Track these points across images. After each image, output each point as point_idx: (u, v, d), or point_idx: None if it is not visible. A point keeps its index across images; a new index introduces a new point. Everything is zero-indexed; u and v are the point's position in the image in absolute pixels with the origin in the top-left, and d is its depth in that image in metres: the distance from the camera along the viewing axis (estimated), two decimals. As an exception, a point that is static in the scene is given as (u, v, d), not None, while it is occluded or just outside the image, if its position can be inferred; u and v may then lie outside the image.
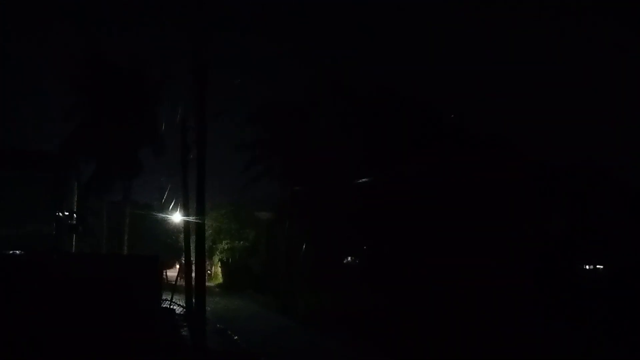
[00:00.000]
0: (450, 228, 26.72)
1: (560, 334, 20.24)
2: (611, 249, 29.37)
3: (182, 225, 26.99)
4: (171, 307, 23.33)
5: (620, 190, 30.78)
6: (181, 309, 25.02)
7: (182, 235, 27.53)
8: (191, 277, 23.49)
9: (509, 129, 30.19)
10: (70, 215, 32.04)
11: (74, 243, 33.31)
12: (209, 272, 43.35)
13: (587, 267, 31.83)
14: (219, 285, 44.57)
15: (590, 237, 29.50)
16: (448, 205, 27.16)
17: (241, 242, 42.03)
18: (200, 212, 19.80)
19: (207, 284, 23.55)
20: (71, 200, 33.27)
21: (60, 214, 29.68)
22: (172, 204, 30.86)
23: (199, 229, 20.22)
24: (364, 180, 28.94)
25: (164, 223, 37.87)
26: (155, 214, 37.74)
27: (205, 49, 18.88)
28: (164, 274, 27.90)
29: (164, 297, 21.79)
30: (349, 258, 34.30)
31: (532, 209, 28.91)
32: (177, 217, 30.02)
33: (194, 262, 23.04)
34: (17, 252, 20.18)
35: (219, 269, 47.02)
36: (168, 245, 39.45)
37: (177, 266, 33.80)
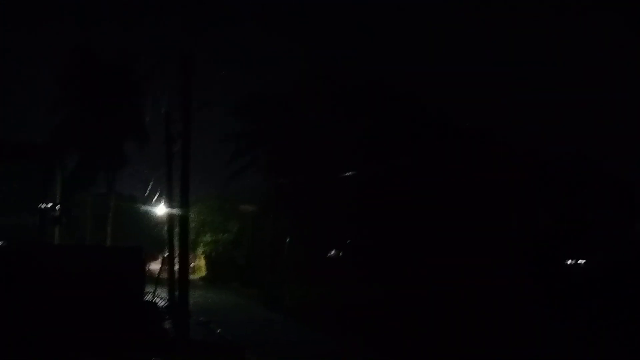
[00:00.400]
0: (438, 221, 26.83)
1: (547, 327, 20.39)
2: (594, 243, 29.62)
3: (166, 218, 26.89)
4: (154, 299, 23.25)
5: (608, 182, 31.03)
6: (164, 301, 24.95)
7: (165, 228, 27.41)
8: (174, 269, 23.43)
9: (503, 125, 30.33)
10: (54, 207, 31.91)
11: (57, 235, 33.16)
12: (192, 264, 43.20)
13: (570, 261, 32.05)
14: (202, 278, 44.48)
15: (574, 230, 29.72)
16: (435, 198, 27.26)
17: (225, 235, 41.91)
18: (184, 204, 19.81)
19: (190, 277, 23.54)
20: (55, 192, 33.11)
21: (45, 206, 29.57)
22: (157, 196, 30.75)
23: (183, 221, 20.22)
24: (350, 173, 28.95)
25: (148, 215, 37.67)
26: (139, 206, 37.61)
27: (192, 40, 18.89)
28: (148, 266, 27.81)
29: (147, 290, 21.72)
30: (334, 251, 34.31)
31: (519, 202, 29.05)
32: (161, 210, 29.91)
33: (177, 254, 23.01)
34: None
35: (203, 262, 46.91)
36: (152, 237, 39.24)
37: (161, 259, 33.64)
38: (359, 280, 27.95)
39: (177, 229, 22.78)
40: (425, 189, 27.51)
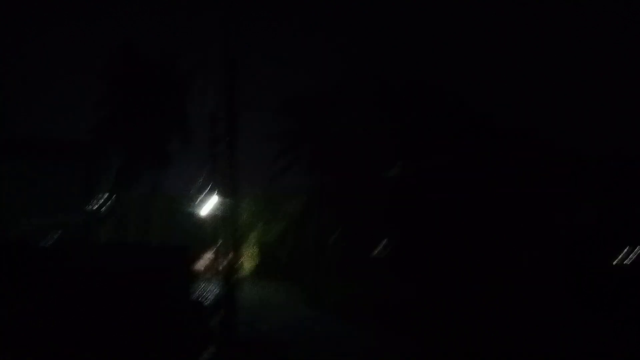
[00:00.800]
0: (481, 219, 26.55)
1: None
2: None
3: (211, 217, 27.03)
4: (200, 298, 23.38)
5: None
6: (210, 300, 25.09)
7: (210, 227, 27.58)
8: (220, 268, 23.55)
9: (543, 121, 29.92)
10: (101, 206, 32.30)
11: (103, 234, 33.56)
12: (238, 262, 43.39)
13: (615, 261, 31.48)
14: (247, 276, 44.66)
15: (619, 230, 29.23)
16: (478, 196, 26.98)
17: (270, 233, 42.05)
18: (230, 203, 19.87)
19: (236, 273, 23.60)
20: (100, 191, 33.50)
21: (91, 205, 29.94)
22: (202, 195, 30.88)
23: (229, 220, 20.30)
24: (393, 171, 28.80)
25: (193, 215, 37.91)
26: (184, 205, 37.85)
27: (236, 40, 18.88)
28: (193, 265, 27.98)
29: (193, 288, 21.85)
30: (378, 249, 34.12)
31: (563, 200, 28.63)
32: (206, 209, 30.08)
33: (223, 253, 23.12)
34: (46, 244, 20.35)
35: (248, 260, 47.13)
36: (197, 236, 39.47)
37: (206, 257, 33.87)
38: (403, 277, 27.82)
39: (223, 226, 22.91)
40: (468, 188, 27.26)
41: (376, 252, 33.89)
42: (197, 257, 33.20)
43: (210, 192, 25.49)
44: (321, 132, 31.18)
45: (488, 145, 28.13)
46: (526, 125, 29.68)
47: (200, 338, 18.28)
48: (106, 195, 33.74)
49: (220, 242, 23.83)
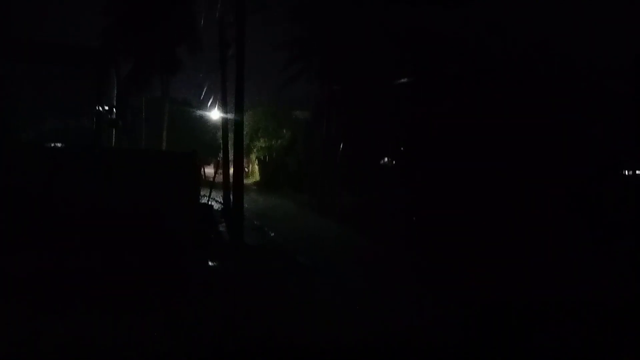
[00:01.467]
0: (492, 132, 26.34)
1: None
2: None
3: (220, 123, 27.08)
4: (209, 202, 23.66)
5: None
6: (219, 205, 25.39)
7: (220, 133, 27.65)
8: (229, 174, 23.73)
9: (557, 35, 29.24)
10: (110, 111, 32.27)
11: (113, 139, 33.66)
12: (246, 169, 43.72)
13: (627, 172, 31.41)
14: (255, 183, 45.07)
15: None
16: (489, 108, 26.73)
17: (279, 141, 42.19)
18: (238, 109, 19.86)
19: (244, 181, 23.80)
20: (111, 96, 33.42)
21: (100, 109, 29.86)
22: (211, 101, 30.92)
23: (237, 126, 20.33)
24: (403, 80, 28.51)
25: (203, 120, 38.05)
26: (193, 110, 37.91)
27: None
28: (202, 170, 28.21)
29: (202, 193, 22.10)
30: (387, 159, 34.17)
31: (577, 113, 28.33)
32: (215, 115, 30.16)
33: (231, 159, 23.26)
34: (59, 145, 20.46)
35: (256, 167, 47.45)
36: (206, 142, 39.73)
37: (215, 163, 34.09)
38: (410, 189, 27.87)
39: (231, 134, 22.97)
40: (477, 98, 26.97)
41: (386, 161, 33.96)
42: (206, 162, 33.45)
43: (219, 99, 25.45)
44: (332, 41, 30.72)
45: (500, 57, 27.66)
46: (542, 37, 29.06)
47: (210, 241, 18.61)
48: (116, 100, 33.65)
49: (229, 147, 23.96)
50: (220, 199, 25.40)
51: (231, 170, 22.92)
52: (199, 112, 35.90)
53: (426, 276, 15.90)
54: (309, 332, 10.45)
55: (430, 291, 13.92)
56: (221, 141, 25.84)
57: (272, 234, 22.45)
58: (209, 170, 34.09)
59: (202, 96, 34.19)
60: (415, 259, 18.42)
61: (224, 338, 10.00)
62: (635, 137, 26.95)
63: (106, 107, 30.55)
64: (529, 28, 27.99)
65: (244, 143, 22.99)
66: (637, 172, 30.08)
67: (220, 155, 25.72)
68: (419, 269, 17.13)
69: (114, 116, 31.90)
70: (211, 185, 25.27)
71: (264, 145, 42.74)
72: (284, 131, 42.50)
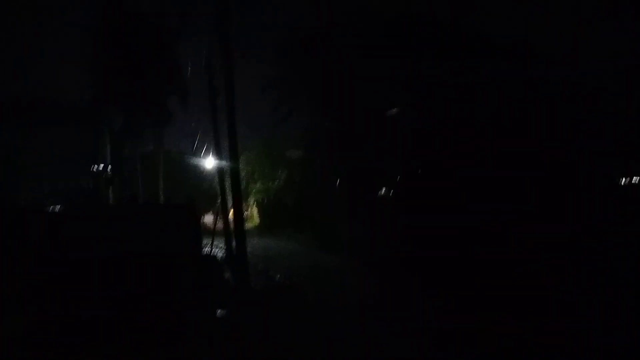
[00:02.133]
0: (490, 153, 26.28)
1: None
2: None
3: (216, 170, 27.09)
4: (211, 251, 23.58)
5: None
6: (222, 252, 25.30)
7: (216, 180, 27.65)
8: (229, 220, 23.68)
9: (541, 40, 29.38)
10: (106, 168, 32.41)
11: (111, 195, 33.70)
12: (245, 214, 43.66)
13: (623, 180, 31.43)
14: (256, 227, 44.92)
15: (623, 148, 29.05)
16: (484, 129, 26.72)
17: (275, 182, 42.16)
18: (233, 155, 19.90)
19: (245, 225, 23.74)
20: (105, 153, 33.56)
21: (97, 167, 30.04)
22: (204, 149, 30.95)
23: (233, 172, 20.34)
24: (394, 110, 28.63)
25: (198, 168, 38.00)
26: (188, 159, 37.93)
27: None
28: (202, 219, 28.18)
29: (204, 243, 22.05)
30: (384, 190, 34.11)
31: (564, 120, 28.35)
32: (210, 162, 30.13)
33: (230, 205, 23.21)
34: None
35: (255, 211, 47.35)
36: (203, 191, 39.63)
37: (214, 211, 34.09)
38: (409, 218, 27.79)
39: (227, 180, 22.97)
40: (475, 121, 27.02)
41: (384, 192, 33.90)
42: (205, 211, 33.40)
43: (213, 146, 25.49)
44: (318, 76, 30.90)
45: (493, 72, 27.72)
46: (527, 44, 29.18)
47: (216, 290, 18.49)
48: (110, 156, 33.77)
49: (227, 193, 23.94)
50: (223, 246, 25.31)
51: (231, 216, 22.87)
52: (194, 161, 35.92)
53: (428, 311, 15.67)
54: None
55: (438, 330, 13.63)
56: (218, 188, 25.81)
57: (278, 276, 22.35)
58: (209, 219, 33.99)
59: (195, 144, 34.24)
60: (416, 290, 18.30)
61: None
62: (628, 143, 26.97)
63: (102, 165, 30.70)
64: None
65: (241, 187, 22.96)
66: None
67: (219, 202, 25.68)
68: (420, 299, 17.04)
69: (109, 174, 32.01)
70: (212, 233, 25.19)
71: (261, 188, 42.72)
72: (280, 171, 42.50)
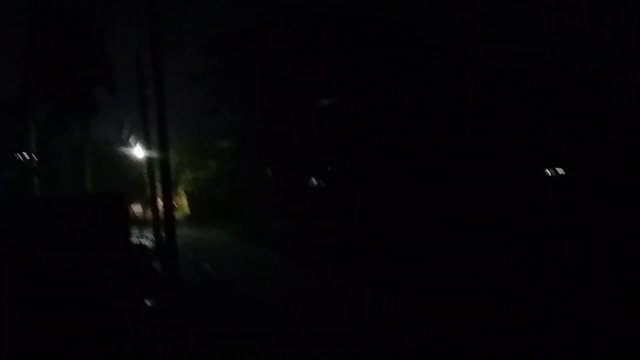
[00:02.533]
0: (416, 143, 26.80)
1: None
2: (571, 152, 29.97)
3: (145, 160, 26.94)
4: (141, 241, 23.50)
5: (582, 90, 31.22)
6: (151, 242, 25.21)
7: (146, 170, 27.48)
8: (158, 210, 23.62)
9: (466, 38, 30.14)
10: (31, 159, 31.77)
11: (37, 186, 33.07)
12: (175, 203, 43.42)
13: (548, 171, 32.57)
14: (186, 217, 44.74)
15: (548, 140, 30.00)
16: (410, 120, 27.24)
17: (205, 173, 42.09)
18: (162, 145, 19.86)
19: (174, 216, 23.70)
20: (31, 144, 32.91)
21: (22, 158, 29.45)
22: (134, 140, 30.67)
23: (163, 162, 20.31)
24: (323, 102, 28.92)
25: (127, 159, 37.61)
26: (117, 150, 37.49)
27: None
28: (131, 209, 27.98)
29: (133, 233, 21.99)
30: (315, 180, 34.44)
31: (493, 116, 29.12)
32: (139, 153, 29.91)
33: (160, 195, 23.15)
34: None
35: (185, 201, 47.13)
36: (132, 181, 39.23)
37: (143, 201, 33.84)
38: (341, 210, 28.04)
39: (157, 170, 22.90)
40: (401, 112, 27.48)
41: (315, 183, 34.26)
42: (134, 201, 33.12)
43: (142, 136, 25.34)
44: (247, 69, 31.00)
45: (416, 64, 28.19)
46: (455, 43, 29.84)
47: (145, 280, 18.46)
48: (37, 147, 33.11)
49: (156, 184, 23.86)
50: (152, 237, 25.23)
51: (160, 206, 22.82)
52: (123, 151, 35.54)
53: (361, 303, 15.77)
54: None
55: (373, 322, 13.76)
56: (147, 178, 25.68)
57: (207, 267, 22.42)
58: (138, 209, 33.75)
59: (125, 135, 33.87)
60: (346, 284, 18.36)
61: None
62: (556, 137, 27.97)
63: (27, 156, 30.11)
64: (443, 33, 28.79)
65: (171, 178, 22.91)
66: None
67: (148, 192, 25.55)
68: (351, 294, 17.12)
69: (35, 165, 31.40)
70: (141, 223, 25.08)
71: (190, 178, 42.57)
72: (210, 162, 42.42)
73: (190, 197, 45.33)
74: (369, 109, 28.08)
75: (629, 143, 31.24)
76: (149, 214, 24.71)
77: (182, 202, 48.26)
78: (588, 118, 31.40)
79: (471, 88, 28.12)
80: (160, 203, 23.17)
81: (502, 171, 27.57)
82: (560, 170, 32.71)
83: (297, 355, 11.25)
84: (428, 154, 27.01)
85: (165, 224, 20.74)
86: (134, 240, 22.78)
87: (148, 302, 16.06)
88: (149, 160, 25.44)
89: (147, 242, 24.80)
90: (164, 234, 20.95)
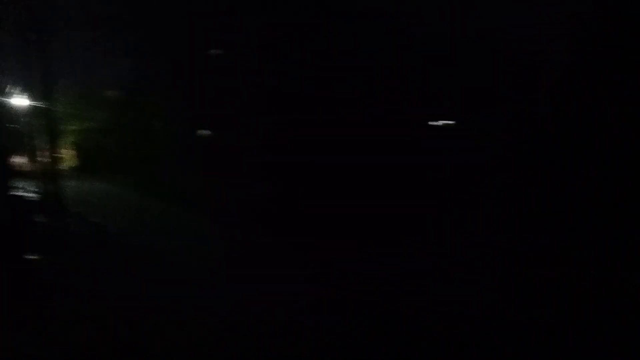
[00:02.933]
0: (321, 93, 26.51)
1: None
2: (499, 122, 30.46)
3: (30, 111, 25.80)
4: (24, 195, 22.55)
5: (509, 61, 31.74)
6: (35, 195, 24.26)
7: (30, 121, 26.34)
8: (43, 162, 22.72)
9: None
10: None
11: None
12: (62, 155, 42.00)
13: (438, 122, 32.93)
14: (73, 169, 43.37)
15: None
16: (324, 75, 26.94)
17: (93, 123, 40.77)
18: (47, 94, 19.06)
19: (61, 167, 22.89)
20: None
21: None
22: (18, 88, 29.23)
23: (48, 111, 19.51)
24: (219, 49, 28.34)
25: (10, 108, 35.95)
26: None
27: None
28: (13, 161, 26.80)
29: (15, 185, 21.05)
30: (212, 131, 33.79)
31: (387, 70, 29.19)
32: (23, 102, 28.60)
33: (46, 147, 22.26)
34: None
35: (72, 152, 45.65)
36: (15, 131, 37.64)
37: (27, 153, 32.53)
38: (236, 158, 27.74)
39: (43, 120, 21.98)
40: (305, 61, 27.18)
41: (212, 133, 33.64)
42: (16, 152, 31.76)
43: (26, 85, 24.20)
44: (141, 14, 29.96)
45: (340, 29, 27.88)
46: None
47: (29, 234, 17.78)
48: None
49: (40, 136, 22.92)
50: (36, 189, 24.27)
51: (46, 158, 21.94)
52: (5, 101, 33.86)
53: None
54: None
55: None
56: (33, 129, 24.62)
57: (96, 220, 21.82)
58: (22, 161, 32.41)
59: (7, 83, 32.22)
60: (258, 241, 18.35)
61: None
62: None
63: None
64: None
65: (56, 129, 22.04)
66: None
67: (34, 143, 24.53)
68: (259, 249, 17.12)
69: None
70: (26, 176, 24.06)
71: (78, 129, 41.14)
72: (99, 113, 41.08)
73: (78, 148, 43.88)
74: (269, 56, 27.60)
75: (556, 114, 32.05)
76: (34, 166, 23.69)
77: (70, 154, 46.71)
78: (517, 88, 31.96)
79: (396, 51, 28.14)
80: (45, 155, 22.30)
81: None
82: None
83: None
84: (341, 112, 26.87)
85: (50, 176, 20.01)
86: (17, 193, 21.83)
87: (32, 257, 15.50)
88: (34, 110, 24.34)
89: (31, 195, 23.85)
90: (49, 187, 20.22)
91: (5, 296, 11.97)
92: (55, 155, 19.95)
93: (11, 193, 18.97)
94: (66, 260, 15.62)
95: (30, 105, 24.34)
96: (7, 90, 30.17)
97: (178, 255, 15.64)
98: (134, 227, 20.78)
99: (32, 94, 23.22)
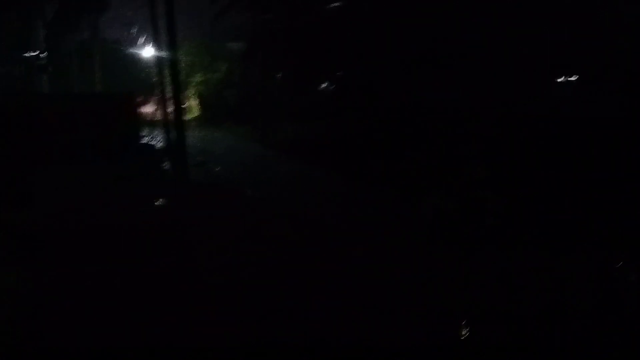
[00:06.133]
0: (433, 57, 25.80)
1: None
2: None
3: (155, 60, 26.59)
4: (150, 142, 23.45)
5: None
6: (160, 144, 25.17)
7: (155, 71, 27.17)
8: (167, 112, 23.43)
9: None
10: (39, 55, 31.38)
11: (45, 84, 32.85)
12: (184, 106, 43.22)
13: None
14: (195, 119, 44.49)
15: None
16: (428, 34, 26.22)
17: (215, 74, 41.61)
18: (172, 45, 19.56)
19: (184, 118, 23.57)
20: (39, 41, 32.48)
21: (29, 54, 29.07)
22: (144, 40, 30.23)
23: (172, 62, 20.05)
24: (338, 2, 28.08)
25: (136, 59, 37.21)
26: (126, 50, 37.06)
27: None
28: (140, 110, 27.84)
29: (142, 134, 21.91)
30: (325, 85, 33.90)
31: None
32: (148, 52, 29.54)
33: (169, 96, 22.94)
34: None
35: (195, 103, 46.82)
36: (141, 81, 38.96)
37: (153, 102, 33.66)
38: (348, 113, 27.55)
39: (167, 71, 22.61)
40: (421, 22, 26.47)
41: (324, 87, 33.74)
42: (143, 101, 32.93)
43: (151, 36, 24.91)
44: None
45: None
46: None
47: (154, 181, 18.51)
48: (45, 44, 32.67)
49: (165, 85, 23.60)
50: (161, 138, 25.16)
51: (170, 108, 22.61)
52: (132, 51, 35.12)
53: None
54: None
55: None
56: (158, 79, 25.38)
57: (217, 169, 22.40)
58: (148, 110, 33.57)
59: (134, 34, 33.37)
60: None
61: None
62: None
63: (34, 53, 29.73)
64: None
65: (180, 79, 22.62)
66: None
67: (158, 93, 25.29)
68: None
69: (44, 62, 31.04)
70: (151, 124, 24.96)
71: (200, 80, 42.11)
72: (220, 64, 41.87)
73: (200, 99, 44.98)
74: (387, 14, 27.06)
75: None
76: (159, 115, 24.50)
77: (192, 104, 48.00)
78: None
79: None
80: (169, 104, 22.99)
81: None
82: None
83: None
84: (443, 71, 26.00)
85: (175, 125, 20.66)
86: (144, 140, 22.72)
87: (156, 201, 16.13)
88: (159, 61, 25.07)
89: (156, 143, 24.74)
90: (173, 136, 20.89)
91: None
92: (180, 105, 20.54)
93: (139, 141, 19.76)
94: (184, 205, 16.12)
95: (156, 55, 25.06)
96: (136, 41, 31.29)
97: (298, 210, 15.48)
98: (250, 174, 21.23)
99: (158, 45, 23.89)
